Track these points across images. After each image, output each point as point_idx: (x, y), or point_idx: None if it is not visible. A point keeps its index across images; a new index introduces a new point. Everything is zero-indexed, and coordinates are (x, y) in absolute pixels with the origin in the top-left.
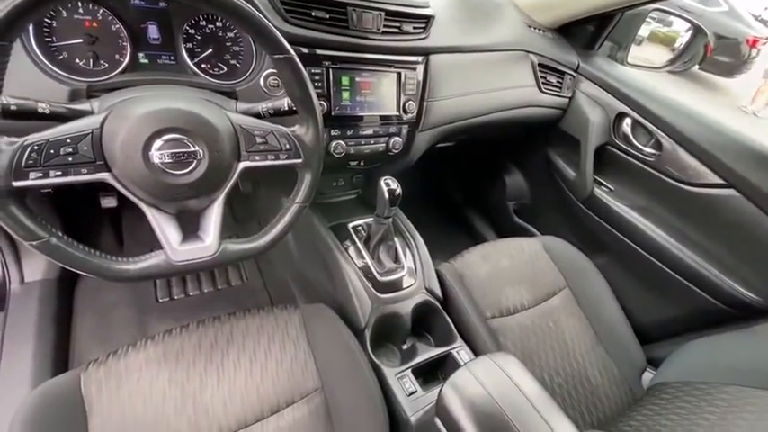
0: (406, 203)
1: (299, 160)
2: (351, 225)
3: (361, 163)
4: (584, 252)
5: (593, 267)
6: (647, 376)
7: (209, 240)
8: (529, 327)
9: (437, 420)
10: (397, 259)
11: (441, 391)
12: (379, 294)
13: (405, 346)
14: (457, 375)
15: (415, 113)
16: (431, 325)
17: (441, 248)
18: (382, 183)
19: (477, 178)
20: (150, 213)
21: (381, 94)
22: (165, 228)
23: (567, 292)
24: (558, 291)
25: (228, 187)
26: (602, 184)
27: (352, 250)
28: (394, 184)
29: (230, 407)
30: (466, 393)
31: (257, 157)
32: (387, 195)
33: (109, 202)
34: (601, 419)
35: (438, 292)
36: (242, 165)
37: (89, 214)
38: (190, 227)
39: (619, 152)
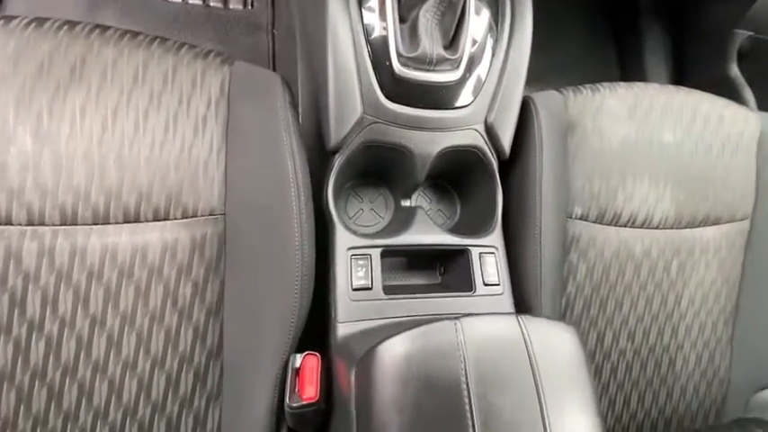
0: None
1: None
2: None
3: None
4: None
5: None
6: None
7: None
8: (633, 253)
9: (353, 391)
10: (454, 39)
11: (376, 346)
12: (383, 100)
13: (406, 203)
14: (429, 331)
15: None
16: (467, 184)
17: (561, 80)
18: None
19: None
20: None
21: None
22: None
23: (743, 228)
24: (731, 220)
25: None
26: None
27: None
28: None
29: (40, 178)
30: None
31: None
32: None
33: None
34: (654, 419)
35: (504, 140)
36: None
37: None
38: None
39: None
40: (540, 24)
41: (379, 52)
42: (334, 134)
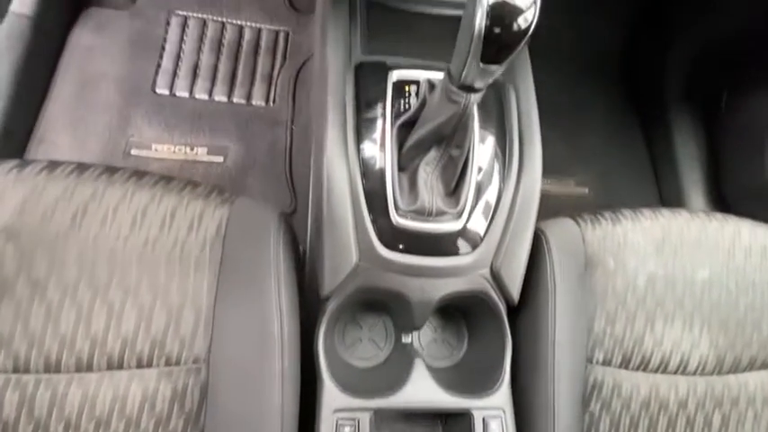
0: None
1: None
2: (396, 74)
3: None
4: None
5: None
6: None
7: None
8: (667, 404)
9: None
10: (457, 188)
11: None
12: (380, 249)
13: (407, 339)
14: None
15: None
16: (474, 321)
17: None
18: None
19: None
20: None
21: None
22: None
23: None
24: None
25: None
26: None
27: (373, 134)
28: None
29: (29, 327)
30: None
31: None
32: (482, 21)
33: None
34: None
35: (513, 287)
36: None
37: None
38: None
39: None
40: (561, 113)
41: (376, 201)
42: (328, 283)
